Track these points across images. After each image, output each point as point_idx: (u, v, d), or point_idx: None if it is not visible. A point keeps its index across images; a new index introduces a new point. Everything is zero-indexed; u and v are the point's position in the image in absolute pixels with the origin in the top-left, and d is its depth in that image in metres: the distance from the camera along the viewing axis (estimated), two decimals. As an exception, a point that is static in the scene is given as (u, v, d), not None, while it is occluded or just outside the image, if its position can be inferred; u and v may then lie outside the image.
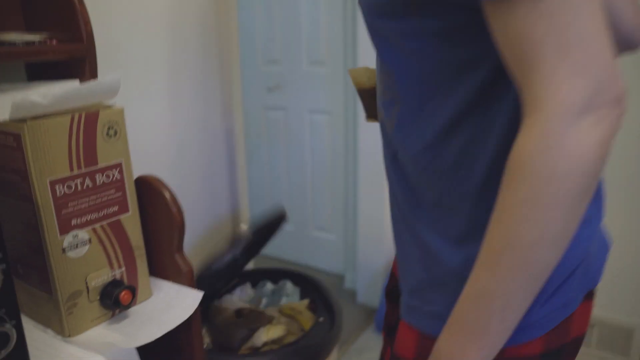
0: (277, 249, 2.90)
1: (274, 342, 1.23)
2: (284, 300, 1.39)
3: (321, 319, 1.27)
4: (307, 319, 1.30)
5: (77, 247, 0.73)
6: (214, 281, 1.31)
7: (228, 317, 1.28)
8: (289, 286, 1.41)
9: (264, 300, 1.41)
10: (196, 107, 1.33)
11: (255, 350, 1.21)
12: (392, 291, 0.93)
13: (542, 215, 0.47)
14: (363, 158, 2.35)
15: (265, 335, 1.21)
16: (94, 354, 0.71)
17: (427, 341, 0.65)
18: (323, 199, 2.68)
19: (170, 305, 0.80)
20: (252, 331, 1.23)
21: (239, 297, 1.41)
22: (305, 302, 1.37)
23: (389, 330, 0.95)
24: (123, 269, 0.79)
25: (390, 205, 0.75)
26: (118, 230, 0.78)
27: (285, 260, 2.90)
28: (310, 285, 1.44)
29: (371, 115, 0.99)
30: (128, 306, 0.77)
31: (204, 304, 1.33)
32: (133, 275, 0.81)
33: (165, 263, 0.83)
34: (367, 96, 0.94)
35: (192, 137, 1.34)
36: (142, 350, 0.79)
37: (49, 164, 0.68)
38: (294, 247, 2.86)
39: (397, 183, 0.69)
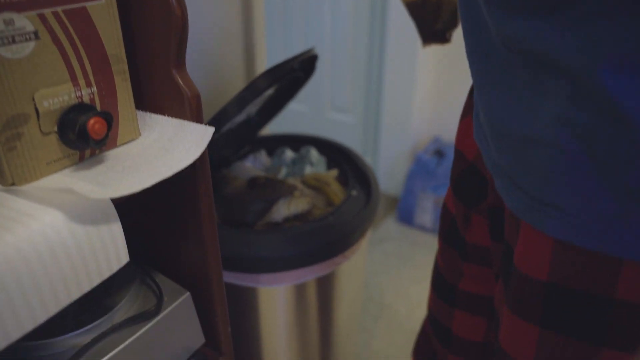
0: (288, 132, 2.64)
1: (296, 217, 1.00)
2: (307, 170, 1.15)
3: (354, 193, 1.04)
4: (337, 192, 1.07)
5: (13, 41, 0.45)
6: (221, 146, 1.07)
7: (239, 187, 1.04)
8: (313, 154, 1.17)
9: (284, 170, 1.17)
10: None
11: (275, 226, 0.98)
12: (462, 177, 0.67)
13: None
14: (393, 25, 2.02)
15: (287, 208, 0.99)
16: (48, 208, 0.46)
17: (570, 252, 0.43)
18: (343, 75, 2.39)
19: (167, 146, 0.54)
20: (270, 204, 1.00)
21: (253, 166, 1.16)
22: (334, 172, 1.14)
23: (451, 234, 0.71)
24: (94, 89, 0.52)
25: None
26: (84, 25, 0.50)
27: (296, 141, 2.65)
28: (339, 155, 1.20)
29: (428, 37, 0.78)
30: (102, 142, 0.51)
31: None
32: (110, 101, 0.54)
33: (158, 85, 0.57)
34: (417, 10, 0.76)
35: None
36: (124, 211, 0.54)
37: None
38: (307, 130, 2.60)
39: None
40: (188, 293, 0.66)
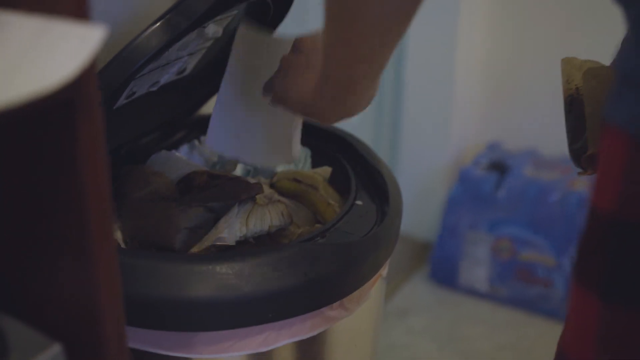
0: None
1: (260, 239, 1.02)
2: (281, 168, 1.19)
3: (359, 202, 1.06)
4: (329, 201, 1.09)
5: None
6: (133, 122, 1.11)
7: (163, 189, 1.06)
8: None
9: (240, 167, 1.20)
10: None
11: (224, 252, 0.98)
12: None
13: None
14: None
15: (243, 223, 0.98)
16: None
17: None
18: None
19: (18, 61, 0.52)
20: (215, 215, 1.01)
21: (188, 159, 1.20)
22: (326, 169, 1.17)
23: None
24: None
25: None
26: None
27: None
28: (333, 145, 1.23)
29: (581, 156, 0.87)
30: None
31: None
32: None
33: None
34: (566, 112, 0.87)
35: None
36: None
37: None
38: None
39: None
40: (58, 346, 0.66)
